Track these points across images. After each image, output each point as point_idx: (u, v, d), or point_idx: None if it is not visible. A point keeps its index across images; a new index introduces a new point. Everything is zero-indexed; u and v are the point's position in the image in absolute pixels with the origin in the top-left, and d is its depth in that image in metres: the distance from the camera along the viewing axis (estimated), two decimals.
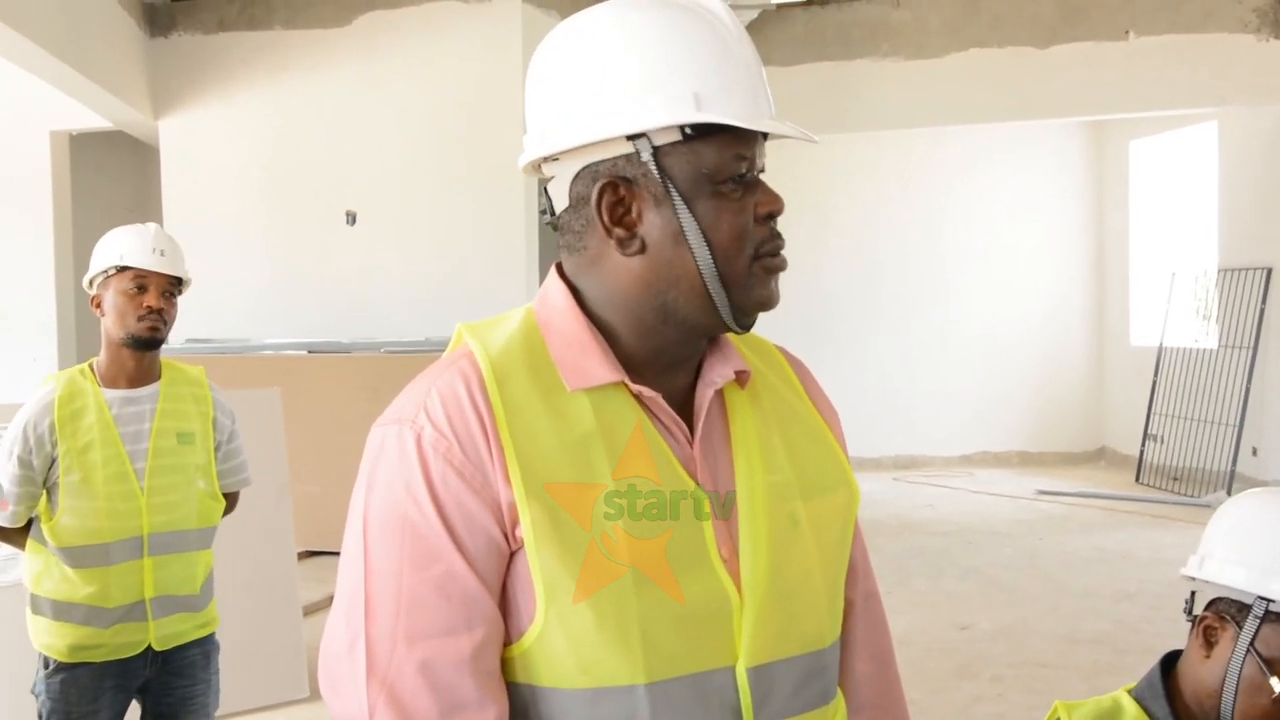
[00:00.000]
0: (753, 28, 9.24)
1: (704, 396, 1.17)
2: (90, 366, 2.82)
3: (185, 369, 2.97)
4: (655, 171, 1.10)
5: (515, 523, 1.07)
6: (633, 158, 1.10)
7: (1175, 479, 9.89)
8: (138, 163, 10.56)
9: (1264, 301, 9.22)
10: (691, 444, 1.15)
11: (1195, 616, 1.61)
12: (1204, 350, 9.93)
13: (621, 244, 1.12)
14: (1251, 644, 1.52)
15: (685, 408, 1.17)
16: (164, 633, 2.80)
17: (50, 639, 2.74)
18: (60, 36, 6.96)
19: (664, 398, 1.14)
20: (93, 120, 8.74)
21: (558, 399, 1.12)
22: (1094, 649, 5.40)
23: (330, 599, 5.99)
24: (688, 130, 1.08)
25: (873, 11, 9.31)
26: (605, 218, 1.12)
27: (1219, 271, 9.82)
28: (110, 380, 2.80)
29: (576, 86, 1.12)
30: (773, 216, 1.13)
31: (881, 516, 8.69)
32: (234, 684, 3.03)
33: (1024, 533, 8.15)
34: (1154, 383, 10.45)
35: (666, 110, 1.08)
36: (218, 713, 2.98)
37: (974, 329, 11.38)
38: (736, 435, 1.18)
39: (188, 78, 8.78)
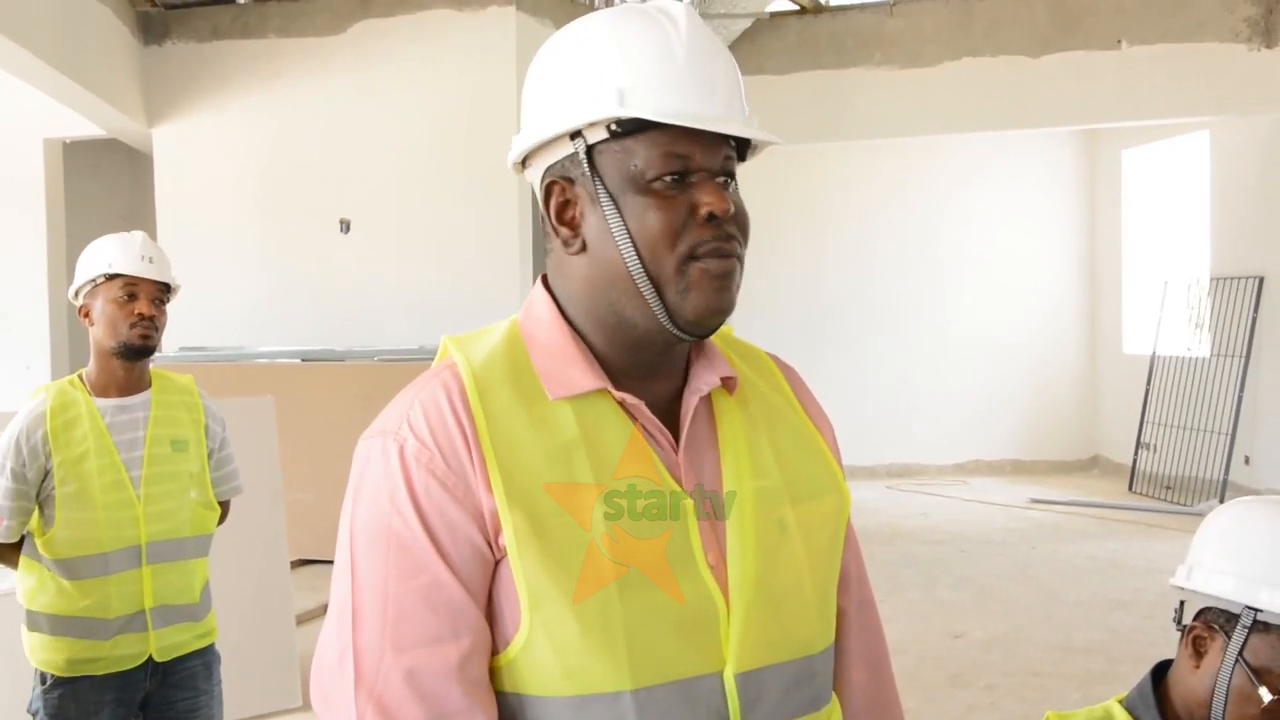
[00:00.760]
0: (746, 36, 9.26)
1: (689, 404, 1.17)
2: (80, 377, 2.80)
3: (174, 377, 2.96)
4: (587, 168, 1.12)
5: (498, 531, 1.07)
6: (575, 157, 1.13)
7: (1168, 487, 9.90)
8: (131, 171, 10.56)
9: (1256, 310, 9.24)
10: (676, 451, 1.15)
11: (1184, 626, 1.61)
12: (1196, 359, 9.95)
13: (566, 244, 1.15)
14: (1240, 654, 1.51)
15: (671, 415, 1.18)
16: (164, 643, 2.77)
17: (48, 654, 2.70)
18: (54, 45, 6.96)
19: (648, 405, 1.15)
20: (87, 128, 8.74)
21: (540, 408, 1.12)
22: (1087, 658, 5.40)
23: (323, 608, 5.96)
24: (614, 127, 1.09)
25: (866, 20, 9.34)
26: (553, 218, 1.15)
27: (1211, 280, 9.84)
28: (101, 389, 2.78)
29: (533, 92, 1.17)
30: (715, 218, 1.10)
31: (875, 525, 8.69)
32: (226, 693, 3.01)
33: (1017, 541, 8.15)
34: (1147, 391, 10.46)
35: (590, 106, 1.10)
36: None
37: (967, 337, 11.39)
38: (724, 440, 1.18)
39: (182, 86, 8.78)
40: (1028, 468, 11.45)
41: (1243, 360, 9.33)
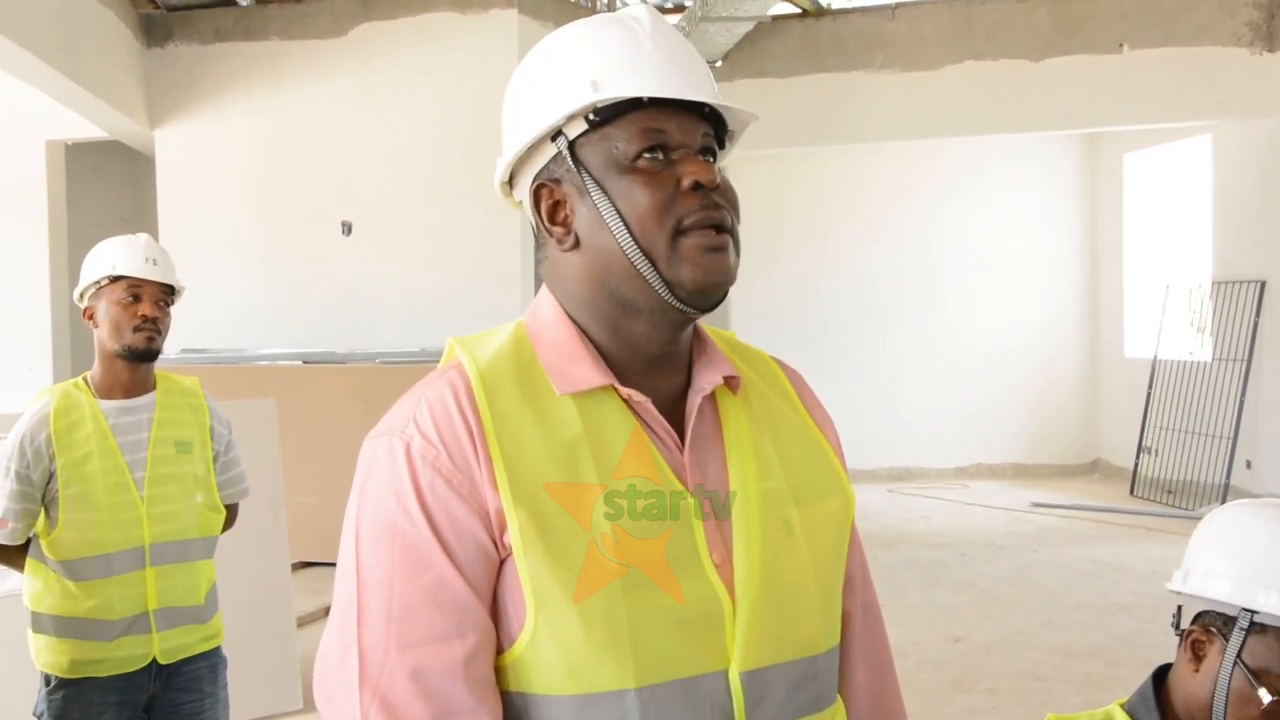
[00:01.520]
0: (748, 39, 9.27)
1: (693, 402, 1.18)
2: (85, 379, 2.81)
3: (179, 380, 2.96)
4: (571, 162, 1.14)
5: (503, 529, 1.08)
6: (559, 157, 1.16)
7: (1169, 492, 9.90)
8: (133, 173, 10.56)
9: (1258, 314, 9.24)
10: (681, 450, 1.16)
11: (1183, 630, 1.61)
12: (1198, 363, 9.95)
13: (560, 242, 1.17)
14: (1238, 656, 1.52)
15: (675, 414, 1.18)
16: (168, 645, 2.77)
17: (52, 656, 2.71)
18: (56, 46, 6.97)
19: (653, 403, 1.16)
20: (88, 130, 8.75)
21: (545, 405, 1.13)
22: (1088, 662, 5.40)
23: (325, 610, 5.96)
24: (592, 117, 1.13)
25: (868, 24, 9.34)
26: (545, 220, 1.18)
27: (1213, 284, 9.84)
28: (105, 391, 2.79)
29: (511, 107, 1.21)
30: (700, 187, 1.12)
31: (876, 528, 8.69)
32: None
33: (1018, 545, 8.15)
34: (1148, 395, 10.46)
35: (567, 100, 1.13)
36: None
37: (969, 341, 11.38)
38: (730, 440, 1.19)
39: (184, 88, 8.80)
40: (1029, 471, 11.44)
41: (1244, 365, 9.33)
